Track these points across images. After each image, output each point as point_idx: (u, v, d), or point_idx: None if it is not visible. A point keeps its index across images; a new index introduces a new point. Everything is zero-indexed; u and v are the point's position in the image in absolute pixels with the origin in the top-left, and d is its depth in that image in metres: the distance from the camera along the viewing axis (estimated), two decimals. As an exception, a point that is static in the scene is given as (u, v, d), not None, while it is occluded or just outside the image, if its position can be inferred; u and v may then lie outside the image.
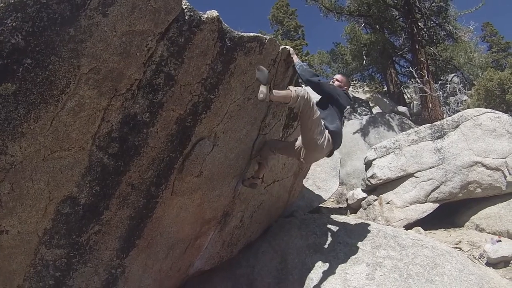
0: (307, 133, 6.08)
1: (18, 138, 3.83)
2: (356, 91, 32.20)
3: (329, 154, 6.68)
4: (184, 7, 4.64)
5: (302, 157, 6.45)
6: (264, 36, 6.00)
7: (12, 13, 3.35)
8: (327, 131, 6.18)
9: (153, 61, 4.63)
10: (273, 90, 5.77)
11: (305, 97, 5.80)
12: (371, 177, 13.67)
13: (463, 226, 12.47)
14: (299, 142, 6.49)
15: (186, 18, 4.68)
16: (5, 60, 3.45)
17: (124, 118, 4.71)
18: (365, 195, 14.24)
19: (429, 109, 23.13)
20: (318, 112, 6.05)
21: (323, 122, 6.15)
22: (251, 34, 5.69)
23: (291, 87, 5.95)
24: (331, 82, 6.96)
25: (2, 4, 3.29)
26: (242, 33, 5.57)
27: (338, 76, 7.19)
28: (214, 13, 4.99)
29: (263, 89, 5.56)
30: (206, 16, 4.90)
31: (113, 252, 5.63)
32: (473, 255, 10.14)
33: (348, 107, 6.83)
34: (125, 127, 4.77)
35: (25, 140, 3.90)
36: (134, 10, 4.10)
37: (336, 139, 6.40)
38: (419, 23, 26.19)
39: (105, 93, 4.34)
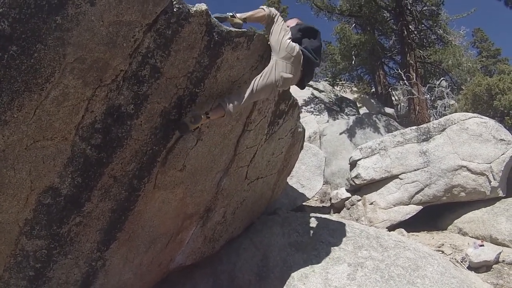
0: (276, 38, 6.01)
1: (0, 126, 3.79)
2: (344, 91, 32.29)
3: (300, 84, 6.59)
4: (173, -1, 4.62)
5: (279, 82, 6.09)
6: (252, 32, 6.00)
7: (-1, -1, 3.32)
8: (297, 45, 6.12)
9: (139, 52, 4.59)
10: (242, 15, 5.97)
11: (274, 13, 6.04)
12: (356, 177, 13.75)
13: (446, 229, 12.56)
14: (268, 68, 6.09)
15: (175, 10, 4.65)
16: (-10, 47, 3.41)
17: (108, 109, 4.68)
18: (349, 195, 14.32)
19: (416, 112, 23.22)
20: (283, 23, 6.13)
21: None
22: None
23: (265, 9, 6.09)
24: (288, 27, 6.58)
25: (-12, -10, 3.26)
26: (230, 28, 5.57)
27: (289, 22, 6.90)
28: (203, 6, 4.96)
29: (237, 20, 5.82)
30: (194, 9, 4.87)
31: (94, 244, 5.61)
32: (455, 259, 10.19)
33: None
34: (109, 118, 4.74)
35: (8, 129, 3.86)
36: (122, 0, 4.07)
37: (308, 59, 6.26)
38: (410, 26, 26.25)
39: (89, 83, 4.30)
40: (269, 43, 6.13)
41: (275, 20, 6.00)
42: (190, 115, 5.48)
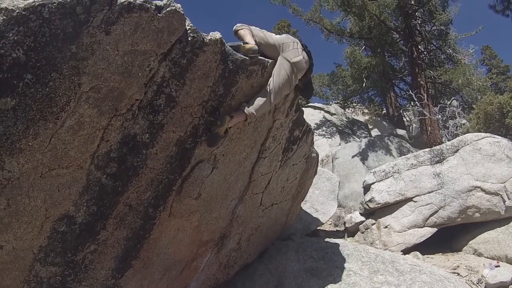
0: (267, 41, 6.18)
1: (16, 154, 3.78)
2: (355, 114, 32.27)
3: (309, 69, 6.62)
4: (187, 28, 4.62)
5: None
6: (266, 60, 6.00)
7: (14, 26, 3.32)
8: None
9: (154, 81, 4.60)
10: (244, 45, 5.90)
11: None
12: (370, 201, 13.66)
13: (461, 251, 12.46)
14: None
15: (189, 39, 4.66)
16: (5, 74, 3.41)
17: (123, 138, 4.67)
18: (363, 218, 14.21)
19: (428, 132, 23.16)
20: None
21: None
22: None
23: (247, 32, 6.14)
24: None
25: (4, 17, 3.25)
26: (245, 56, 5.57)
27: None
28: (217, 35, 4.97)
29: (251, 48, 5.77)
30: (209, 37, 4.89)
31: (109, 271, 5.57)
32: (471, 281, 10.09)
33: None
34: (124, 147, 4.73)
35: (23, 156, 3.85)
36: (137, 30, 4.08)
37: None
38: (420, 46, 26.30)
39: (105, 113, 4.30)
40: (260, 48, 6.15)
41: (250, 29, 6.10)
42: (215, 121, 5.54)
